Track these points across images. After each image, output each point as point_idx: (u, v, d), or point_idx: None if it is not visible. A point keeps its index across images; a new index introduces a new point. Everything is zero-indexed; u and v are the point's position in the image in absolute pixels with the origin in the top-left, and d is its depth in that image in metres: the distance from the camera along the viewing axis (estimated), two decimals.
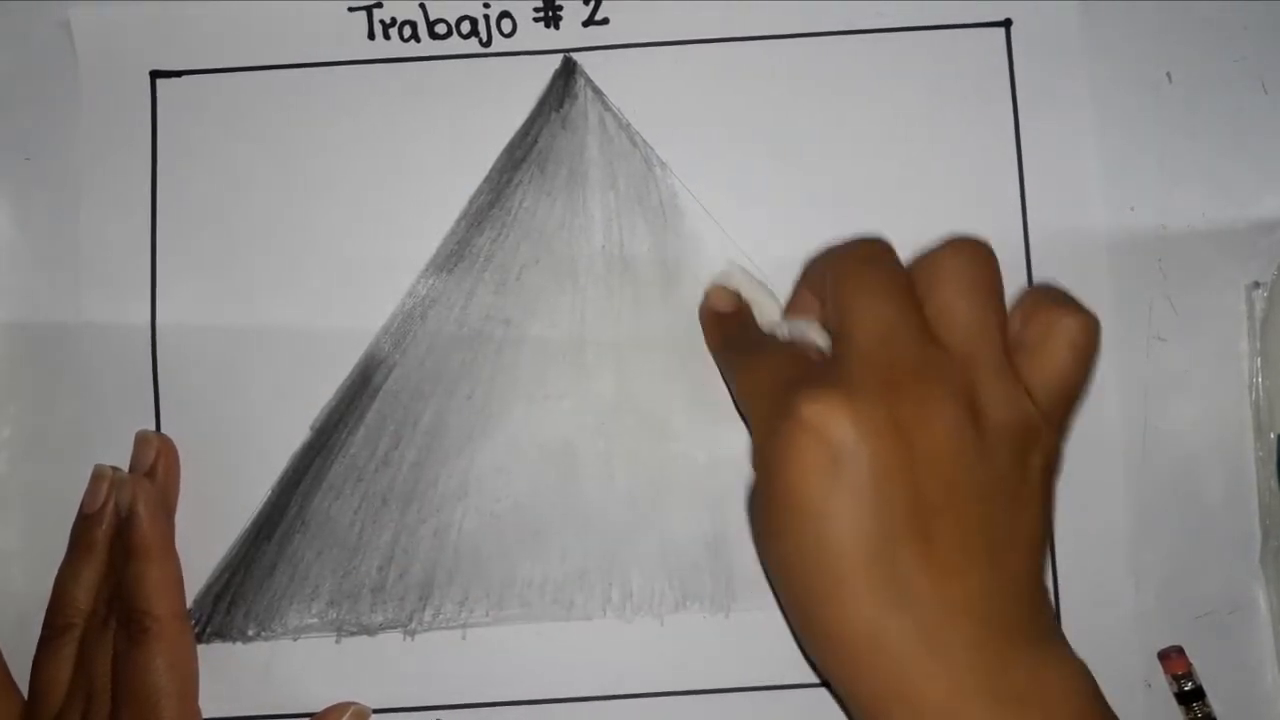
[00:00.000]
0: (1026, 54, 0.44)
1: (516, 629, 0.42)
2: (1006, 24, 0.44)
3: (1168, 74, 0.44)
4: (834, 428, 0.28)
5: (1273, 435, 0.42)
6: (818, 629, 0.29)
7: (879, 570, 0.28)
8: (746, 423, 0.33)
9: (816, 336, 0.34)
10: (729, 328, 0.38)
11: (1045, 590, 0.31)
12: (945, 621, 0.28)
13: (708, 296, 0.40)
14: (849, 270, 0.32)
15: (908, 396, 0.29)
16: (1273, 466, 0.41)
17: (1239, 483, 0.42)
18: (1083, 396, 0.33)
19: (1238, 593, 0.42)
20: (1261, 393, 0.42)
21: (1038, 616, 0.30)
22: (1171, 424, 0.42)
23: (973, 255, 0.32)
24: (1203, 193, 0.43)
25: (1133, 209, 0.43)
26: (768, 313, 0.39)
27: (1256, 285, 0.43)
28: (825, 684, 0.42)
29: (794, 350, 0.33)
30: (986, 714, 0.28)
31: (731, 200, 0.43)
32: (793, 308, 0.38)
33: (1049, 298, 0.33)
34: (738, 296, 0.40)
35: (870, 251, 0.33)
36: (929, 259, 0.33)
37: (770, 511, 0.30)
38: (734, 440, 0.42)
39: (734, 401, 0.38)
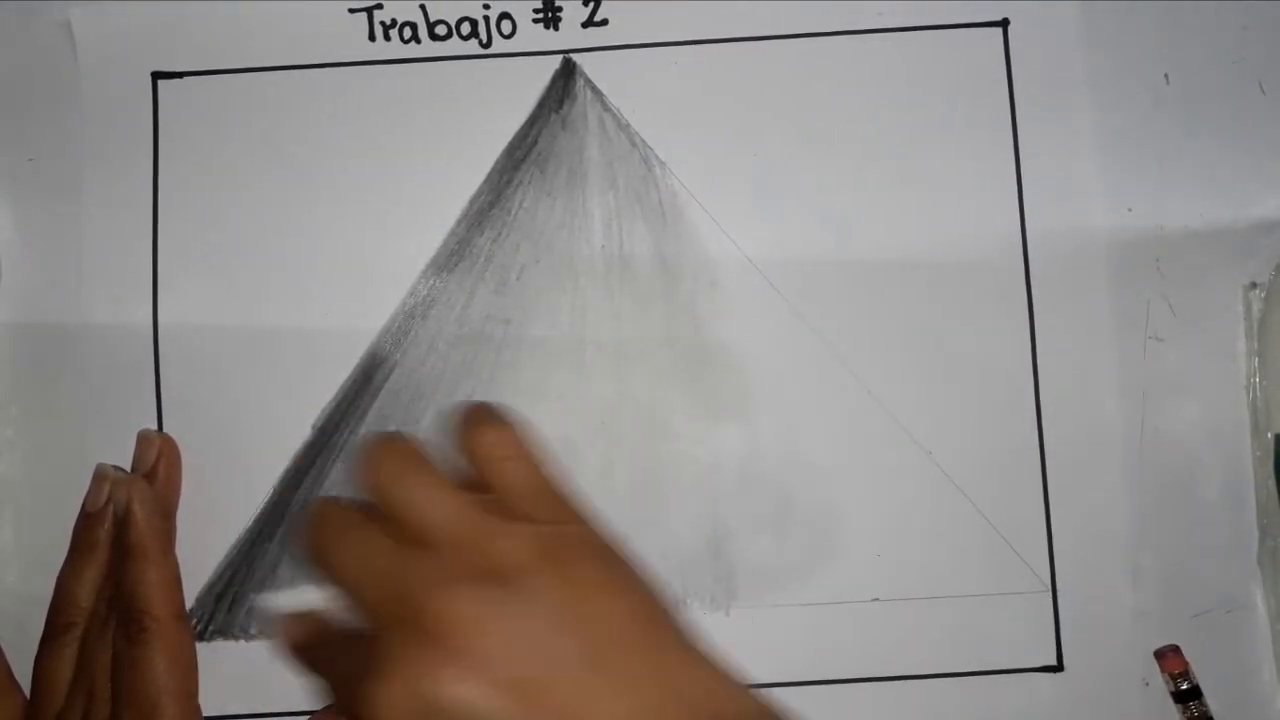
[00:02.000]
0: (1024, 54, 0.44)
1: None
2: (1004, 24, 0.44)
3: (1165, 75, 0.44)
4: (400, 715, 0.27)
5: (1270, 435, 0.42)
6: None
7: None
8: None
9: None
10: (311, 650, 0.34)
11: (710, 663, 0.29)
12: None
13: (282, 633, 0.35)
14: (324, 538, 0.31)
15: (448, 628, 0.27)
16: (1270, 466, 0.41)
17: (1236, 482, 0.42)
18: (558, 481, 0.31)
19: (1235, 592, 0.42)
20: (1259, 393, 0.42)
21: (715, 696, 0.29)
22: (1169, 424, 0.43)
23: (393, 457, 0.31)
24: (1200, 193, 0.43)
25: (1130, 209, 0.43)
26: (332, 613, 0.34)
27: (1254, 286, 0.43)
28: (827, 682, 0.42)
29: (351, 648, 0.30)
30: None
31: (731, 200, 0.43)
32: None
33: (461, 424, 0.31)
34: (311, 615, 0.34)
35: (330, 507, 0.31)
36: (371, 480, 0.31)
37: None
38: (734, 440, 0.42)
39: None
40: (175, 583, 0.40)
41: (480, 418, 0.32)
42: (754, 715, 0.29)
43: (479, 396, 0.43)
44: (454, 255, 0.44)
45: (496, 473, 0.31)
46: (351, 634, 0.31)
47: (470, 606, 0.27)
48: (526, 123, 0.44)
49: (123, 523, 0.40)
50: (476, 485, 0.31)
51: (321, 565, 0.30)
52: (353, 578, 0.29)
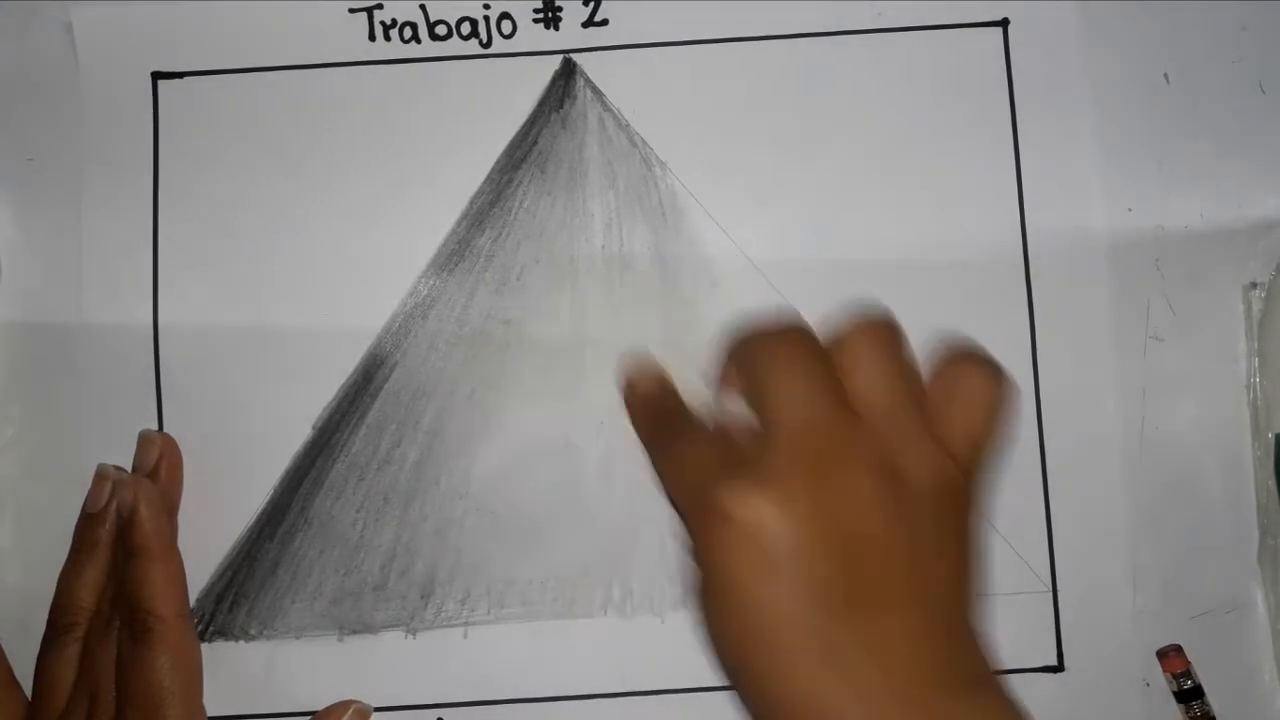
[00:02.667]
0: (1024, 54, 0.44)
1: (518, 627, 0.42)
2: (1004, 24, 0.44)
3: (1165, 75, 0.44)
4: (762, 522, 0.30)
5: (1270, 435, 0.42)
6: (761, 699, 0.31)
7: (814, 643, 0.29)
8: (678, 511, 0.34)
9: (741, 416, 0.34)
10: (654, 412, 0.38)
11: (976, 636, 0.32)
12: (875, 676, 0.29)
13: (629, 379, 0.40)
14: (769, 353, 0.33)
15: (830, 479, 0.30)
16: (1270, 466, 0.42)
17: (1237, 482, 0.42)
18: (997, 443, 0.33)
19: (1236, 592, 0.42)
20: (1259, 392, 0.42)
21: (969, 662, 0.31)
22: (1169, 424, 0.43)
23: (882, 331, 0.34)
24: (1200, 193, 0.43)
25: (1130, 209, 0.43)
26: (693, 390, 0.38)
27: (1254, 285, 0.43)
28: None
29: (719, 436, 0.34)
30: None
31: (731, 200, 0.43)
32: (719, 386, 0.37)
33: (958, 355, 0.34)
34: (661, 377, 0.39)
35: (789, 333, 0.34)
36: (844, 339, 0.34)
37: (711, 602, 0.31)
38: None
39: (665, 493, 0.37)
40: (179, 582, 0.40)
41: (978, 359, 0.34)
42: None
43: (480, 396, 0.43)
44: (454, 255, 0.44)
45: (966, 409, 0.33)
46: (701, 426, 0.34)
47: (865, 483, 0.30)
48: (526, 123, 0.44)
49: (127, 523, 0.40)
50: (928, 383, 0.34)
51: (751, 370, 0.33)
52: (774, 394, 0.32)
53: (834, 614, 0.29)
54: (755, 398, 0.33)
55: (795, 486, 0.30)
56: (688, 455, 0.34)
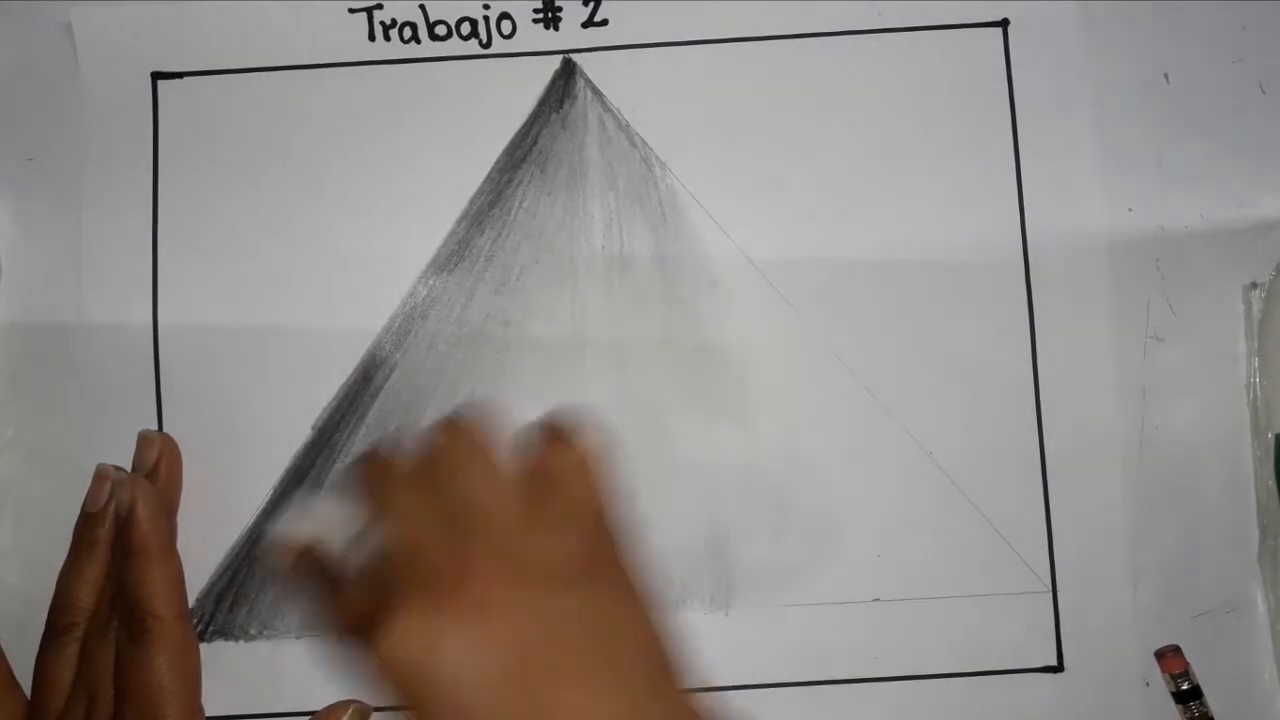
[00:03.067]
0: (1024, 54, 0.44)
1: None
2: (1004, 24, 0.44)
3: (1165, 75, 0.44)
4: (416, 658, 0.29)
5: (1270, 435, 0.42)
6: None
7: None
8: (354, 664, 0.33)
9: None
10: (307, 571, 0.37)
11: (679, 690, 0.32)
12: None
13: (276, 552, 0.38)
14: (375, 473, 0.34)
15: (467, 593, 0.30)
16: (1270, 466, 0.42)
17: (1237, 482, 0.42)
18: (609, 506, 0.33)
19: (1235, 592, 0.42)
20: (1259, 392, 0.42)
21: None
22: (1169, 424, 0.43)
23: (465, 438, 0.33)
24: (1200, 194, 0.43)
25: (1130, 210, 0.43)
26: (336, 529, 0.36)
27: (1254, 286, 0.43)
28: (826, 682, 0.42)
29: (360, 581, 0.33)
30: None
31: (731, 200, 0.43)
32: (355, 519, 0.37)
33: (545, 433, 0.34)
34: (303, 536, 0.37)
35: (391, 458, 0.34)
36: (436, 451, 0.33)
37: None
38: (733, 440, 0.42)
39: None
40: (178, 582, 0.40)
41: (559, 434, 0.34)
42: None
43: (479, 396, 0.43)
44: (454, 255, 0.44)
45: (558, 481, 0.33)
46: (356, 569, 0.33)
47: (496, 584, 0.30)
48: (526, 123, 0.44)
49: (125, 523, 0.40)
50: (533, 471, 0.33)
51: (370, 505, 0.33)
52: (396, 527, 0.32)
53: (525, 706, 0.29)
54: (371, 521, 0.33)
55: (441, 611, 0.30)
56: (341, 614, 0.33)
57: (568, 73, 0.44)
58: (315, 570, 0.35)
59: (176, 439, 0.43)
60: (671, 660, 0.32)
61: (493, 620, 0.30)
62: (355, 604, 0.32)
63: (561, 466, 0.33)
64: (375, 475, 0.34)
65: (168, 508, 0.42)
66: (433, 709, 0.29)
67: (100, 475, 0.41)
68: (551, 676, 0.30)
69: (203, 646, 0.42)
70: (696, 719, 0.31)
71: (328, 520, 0.37)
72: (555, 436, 0.34)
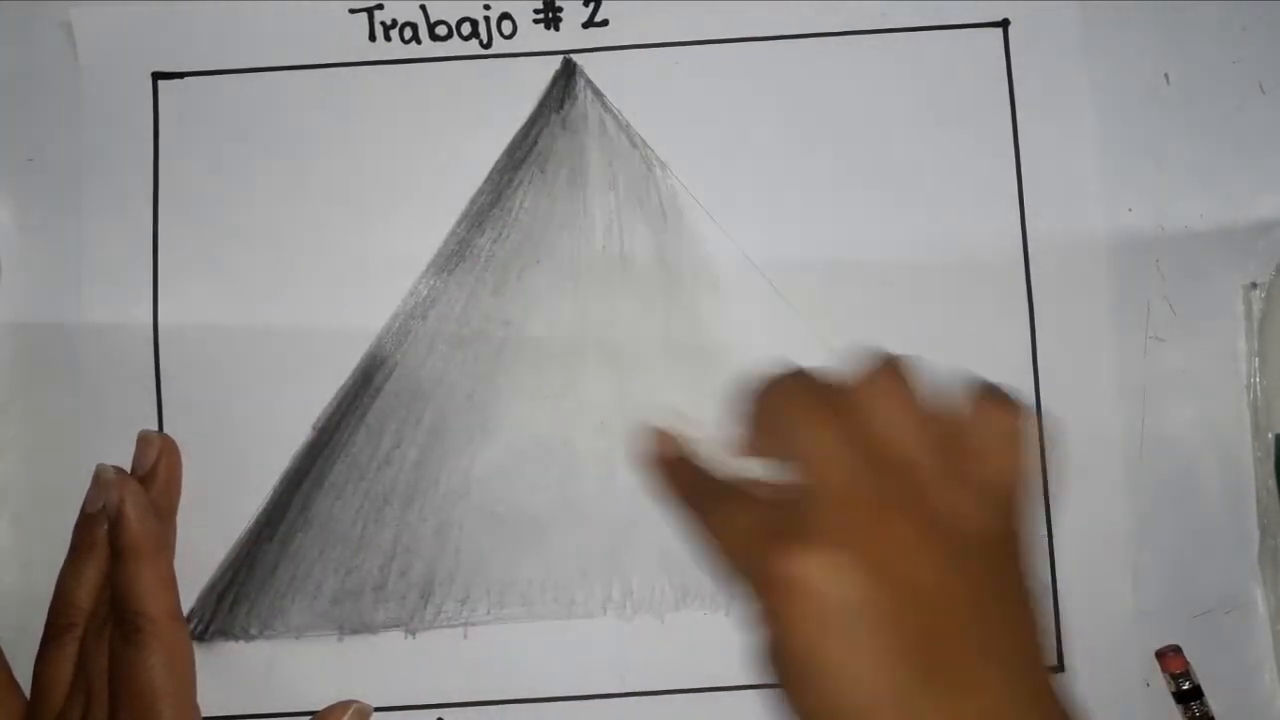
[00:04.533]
0: (1024, 54, 0.44)
1: (517, 627, 0.42)
2: (1004, 24, 0.44)
3: (1166, 75, 0.44)
4: (828, 586, 0.29)
5: (1270, 435, 0.42)
6: None
7: (897, 712, 0.29)
8: (726, 575, 0.33)
9: (766, 470, 0.34)
10: (681, 476, 0.37)
11: (1051, 680, 0.31)
12: None
13: (647, 443, 0.39)
14: (791, 410, 0.33)
15: (884, 534, 0.30)
16: (1270, 466, 0.42)
17: (1237, 482, 0.42)
18: (1028, 483, 0.33)
19: (1236, 592, 0.42)
20: (1259, 393, 0.42)
21: (1053, 711, 0.31)
22: (1170, 424, 0.43)
23: (896, 371, 0.33)
24: (1200, 193, 0.43)
25: (1131, 210, 0.43)
26: (709, 451, 0.37)
27: (1254, 286, 0.43)
28: None
29: (758, 499, 0.33)
30: None
31: (731, 200, 0.43)
32: (740, 441, 0.36)
33: (980, 395, 0.33)
34: (681, 441, 0.38)
35: (805, 386, 0.33)
36: (860, 384, 0.33)
37: (789, 672, 0.30)
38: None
39: (711, 561, 0.36)
40: (170, 583, 0.40)
41: (993, 398, 0.33)
42: None
43: (479, 396, 0.43)
44: (454, 255, 0.44)
45: (985, 446, 0.32)
46: (736, 487, 0.33)
47: (908, 531, 0.30)
48: (526, 123, 0.44)
49: (114, 523, 0.39)
50: (960, 428, 0.32)
51: (778, 430, 0.33)
52: (811, 456, 0.31)
53: (916, 677, 0.29)
54: (788, 453, 0.32)
55: (853, 545, 0.29)
56: (732, 522, 0.33)
57: (568, 73, 0.44)
58: (694, 478, 0.35)
59: (176, 439, 0.43)
60: (1045, 652, 0.32)
61: (898, 565, 0.29)
62: (748, 521, 0.32)
63: (992, 431, 0.32)
64: (785, 402, 0.33)
65: (166, 508, 0.42)
66: (814, 637, 0.29)
67: (99, 475, 0.41)
68: (941, 636, 0.29)
69: (204, 646, 0.42)
70: (1062, 708, 0.31)
71: (708, 432, 0.36)
72: (989, 400, 0.33)
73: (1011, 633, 0.31)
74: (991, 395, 0.33)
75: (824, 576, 0.29)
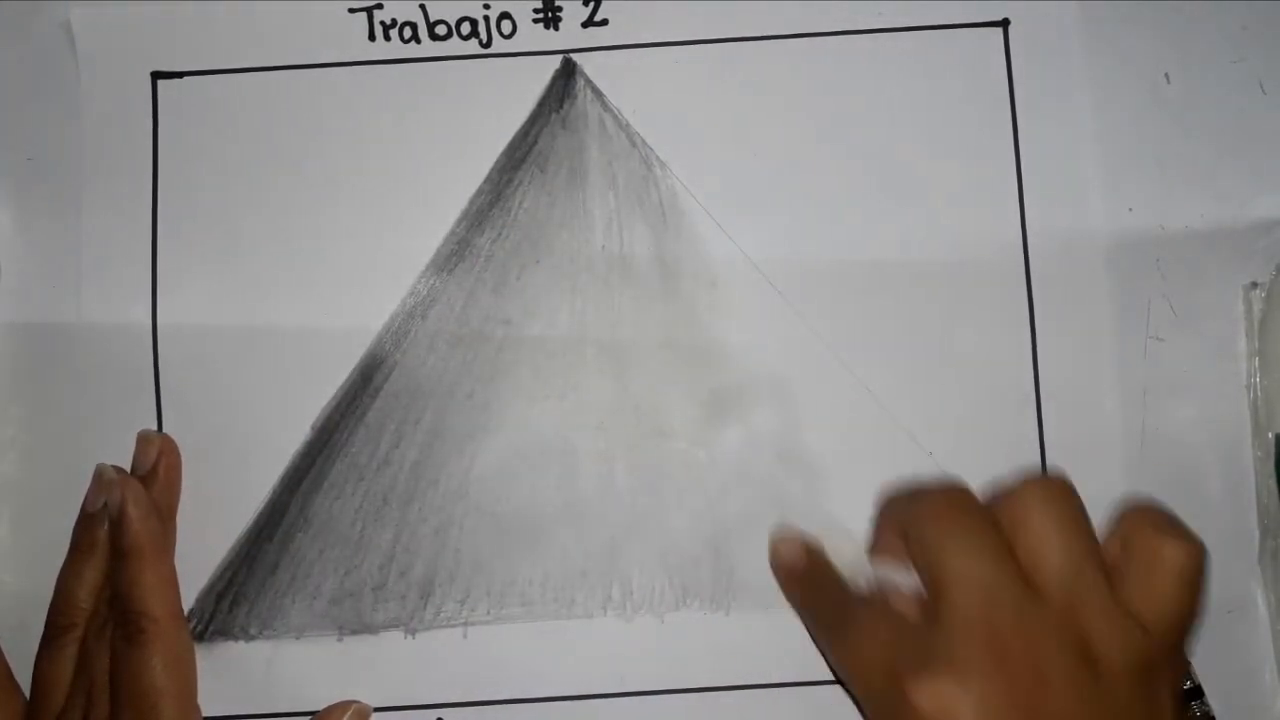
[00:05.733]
0: (1024, 54, 0.44)
1: (517, 627, 0.42)
2: (1004, 24, 0.44)
3: (1166, 74, 0.44)
4: (954, 715, 0.28)
5: (1271, 435, 0.42)
6: None
7: None
8: (849, 690, 0.32)
9: (905, 582, 0.33)
10: (809, 585, 0.36)
11: None
12: None
13: (776, 550, 0.39)
14: (938, 520, 0.32)
15: (1021, 664, 0.29)
16: (1270, 466, 0.41)
17: (1237, 483, 0.42)
18: (1198, 621, 0.32)
19: (1236, 592, 0.42)
20: (1259, 393, 0.42)
21: None
22: (1170, 424, 0.42)
23: (1054, 491, 0.32)
24: (1201, 193, 0.43)
25: (1131, 209, 0.43)
26: (846, 555, 0.36)
27: (1254, 285, 0.43)
28: (826, 682, 0.42)
29: (890, 611, 0.32)
30: None
31: (731, 200, 0.43)
32: (877, 550, 0.36)
33: (1148, 523, 0.32)
34: (807, 546, 0.37)
35: (954, 498, 0.32)
36: (1011, 499, 0.32)
37: None
38: (734, 440, 0.42)
39: (829, 664, 0.37)
40: (172, 583, 0.40)
41: (1164, 526, 0.32)
42: None
43: (479, 396, 0.43)
44: (454, 255, 0.44)
45: (1155, 578, 0.31)
46: (868, 600, 0.33)
47: (1056, 662, 0.29)
48: (526, 123, 0.44)
49: (115, 524, 0.40)
50: (1129, 554, 0.31)
51: (920, 540, 0.32)
52: (951, 567, 0.30)
53: None
54: (927, 570, 0.31)
55: (983, 673, 0.28)
56: (863, 633, 0.32)
57: (568, 73, 0.44)
58: (826, 592, 0.34)
59: (176, 439, 0.43)
60: None
61: (1035, 695, 0.28)
62: (878, 646, 0.30)
63: (1165, 566, 0.31)
64: (933, 514, 0.32)
65: (166, 508, 0.42)
66: None
67: (100, 475, 0.41)
68: None
69: (203, 646, 0.42)
70: None
71: (840, 542, 0.37)
72: (1162, 530, 0.32)
73: None
74: (1166, 526, 0.32)
75: (951, 708, 0.28)
